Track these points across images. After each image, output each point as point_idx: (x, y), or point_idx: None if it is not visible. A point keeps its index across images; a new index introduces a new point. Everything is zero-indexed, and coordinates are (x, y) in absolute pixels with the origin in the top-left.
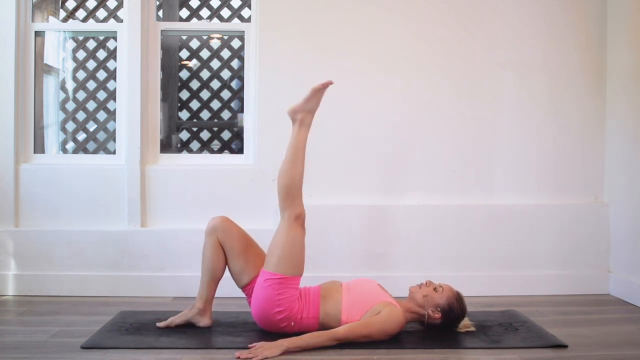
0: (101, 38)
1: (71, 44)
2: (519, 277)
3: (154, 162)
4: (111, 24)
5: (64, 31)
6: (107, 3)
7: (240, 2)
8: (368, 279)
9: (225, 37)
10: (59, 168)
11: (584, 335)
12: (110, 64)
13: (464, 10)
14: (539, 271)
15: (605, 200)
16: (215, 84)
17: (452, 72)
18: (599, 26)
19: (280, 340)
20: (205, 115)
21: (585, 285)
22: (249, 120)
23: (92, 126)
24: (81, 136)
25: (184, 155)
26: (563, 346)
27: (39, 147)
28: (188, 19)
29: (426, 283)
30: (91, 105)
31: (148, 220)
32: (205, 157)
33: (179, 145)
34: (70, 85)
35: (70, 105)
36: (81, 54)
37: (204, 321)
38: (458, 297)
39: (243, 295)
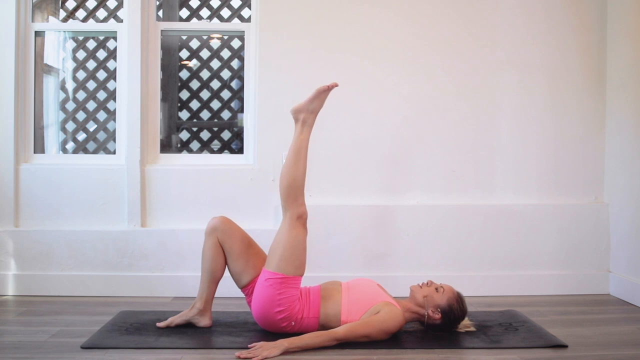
0: (101, 38)
1: (71, 44)
2: (519, 277)
3: (154, 162)
4: (111, 24)
5: (64, 31)
6: (107, 3)
7: (240, 2)
8: (368, 279)
9: (225, 37)
10: (59, 168)
11: (584, 335)
12: (110, 64)
13: (465, 10)
14: (539, 271)
15: (605, 200)
16: (215, 84)
17: (452, 72)
18: (599, 26)
19: (280, 340)
20: (205, 115)
21: (585, 285)
22: (249, 120)
23: (92, 126)
24: (81, 136)
25: (184, 155)
26: (563, 346)
27: (39, 147)
28: (188, 19)
29: (427, 283)
30: (91, 105)
31: (148, 220)
32: (205, 157)
33: (179, 145)
34: (70, 85)
35: (70, 105)
36: (81, 54)
37: (204, 321)
38: (459, 298)
39: (243, 295)
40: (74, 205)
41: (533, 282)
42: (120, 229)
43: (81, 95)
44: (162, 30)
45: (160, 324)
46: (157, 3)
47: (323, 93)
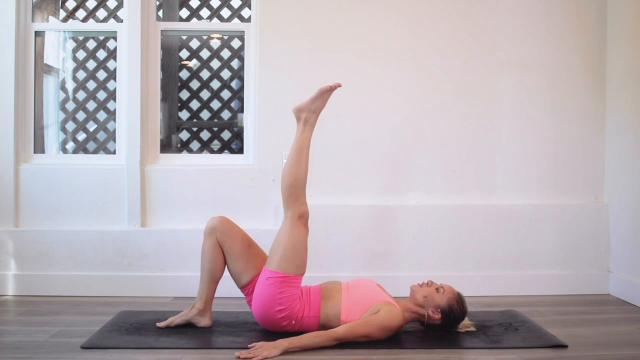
0: (101, 38)
1: (71, 44)
2: (519, 277)
3: (154, 162)
4: (111, 24)
5: (64, 31)
6: (107, 3)
7: (240, 2)
8: (367, 278)
9: (225, 37)
10: (59, 168)
11: (584, 335)
12: (110, 64)
13: (465, 10)
14: (539, 271)
15: (605, 200)
16: (215, 84)
17: (452, 72)
18: (599, 26)
19: (279, 340)
20: (205, 115)
21: (585, 285)
22: (249, 120)
23: (92, 126)
24: (81, 136)
25: (184, 155)
26: (563, 346)
27: (39, 147)
28: (188, 19)
29: (428, 283)
30: (91, 105)
31: (148, 220)
32: (205, 157)
33: (179, 145)
34: (70, 85)
35: (70, 105)
36: (81, 54)
37: (204, 321)
38: (459, 299)
39: (243, 295)
40: (74, 205)
41: (533, 282)
42: (120, 229)
43: (81, 95)
44: (162, 30)
45: (160, 324)
46: (157, 3)
47: (325, 93)
